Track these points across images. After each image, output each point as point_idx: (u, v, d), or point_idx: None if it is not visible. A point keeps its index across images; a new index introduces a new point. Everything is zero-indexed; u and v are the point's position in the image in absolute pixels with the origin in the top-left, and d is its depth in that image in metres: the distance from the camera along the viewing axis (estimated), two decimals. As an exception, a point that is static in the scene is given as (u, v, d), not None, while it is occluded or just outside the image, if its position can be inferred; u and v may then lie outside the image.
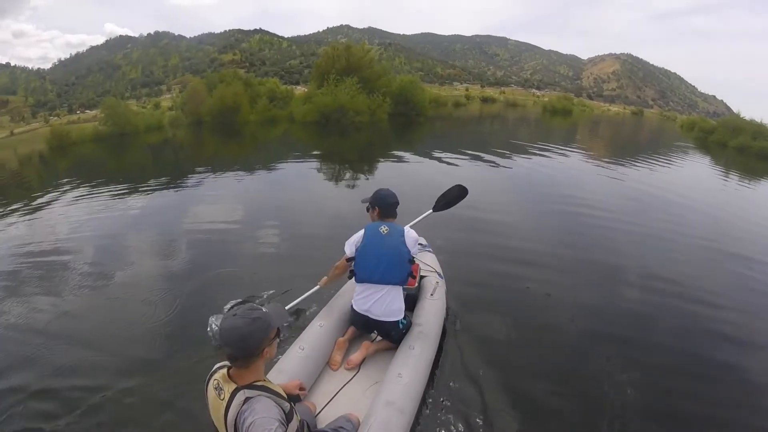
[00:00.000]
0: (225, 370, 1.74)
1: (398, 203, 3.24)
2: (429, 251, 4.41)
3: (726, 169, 17.78)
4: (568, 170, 13.47)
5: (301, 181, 10.67)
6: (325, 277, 3.50)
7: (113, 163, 17.31)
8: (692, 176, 14.63)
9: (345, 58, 28.66)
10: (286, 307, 3.34)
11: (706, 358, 3.90)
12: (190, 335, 3.78)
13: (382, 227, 3.06)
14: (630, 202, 9.33)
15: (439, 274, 4.01)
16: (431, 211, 4.22)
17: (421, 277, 3.85)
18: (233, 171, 12.16)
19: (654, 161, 16.80)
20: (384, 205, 3.17)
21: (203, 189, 10.11)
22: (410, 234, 3.12)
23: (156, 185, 10.58)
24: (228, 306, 4.01)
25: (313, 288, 3.63)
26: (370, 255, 3.01)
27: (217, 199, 8.95)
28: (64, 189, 10.80)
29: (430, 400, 2.96)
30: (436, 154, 14.60)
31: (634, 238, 6.94)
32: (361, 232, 3.12)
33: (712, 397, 3.42)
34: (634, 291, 5.10)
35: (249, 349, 1.64)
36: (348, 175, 11.31)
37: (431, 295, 3.62)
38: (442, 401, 3.00)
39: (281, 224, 7.04)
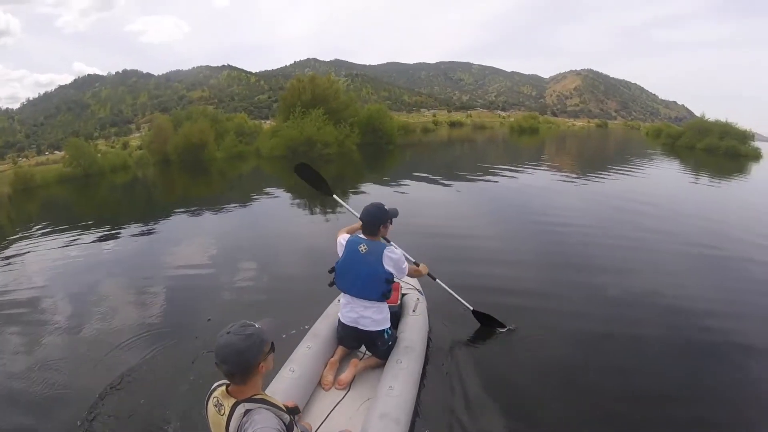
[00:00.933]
0: (224, 387, 1.76)
1: (377, 220, 3.12)
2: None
3: (697, 171, 18.19)
4: (540, 187, 13.59)
5: (272, 218, 10.57)
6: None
7: (81, 205, 16.99)
8: (665, 182, 14.76)
9: (310, 90, 28.42)
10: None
11: (693, 360, 3.96)
12: (170, 377, 3.68)
13: (362, 245, 3.04)
14: (604, 214, 9.51)
15: (419, 291, 4.16)
16: (471, 308, 4.27)
17: (403, 294, 3.97)
18: (202, 210, 11.88)
19: (624, 171, 16.96)
20: (365, 221, 3.13)
21: (173, 229, 9.99)
22: (391, 255, 3.04)
23: (125, 227, 10.25)
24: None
25: None
26: (348, 270, 3.05)
27: (189, 240, 8.80)
28: (34, 232, 10.68)
29: (423, 410, 3.04)
30: (408, 180, 14.60)
31: (608, 247, 7.10)
32: (345, 241, 3.14)
33: (708, 403, 3.44)
34: (615, 298, 5.19)
35: (245, 364, 1.65)
36: (319, 209, 11.06)
37: (413, 311, 3.76)
38: (434, 411, 3.11)
39: (256, 262, 6.96)
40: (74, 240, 9.26)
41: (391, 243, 3.41)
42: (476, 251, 6.81)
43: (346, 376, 3.06)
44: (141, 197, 17.38)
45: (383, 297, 3.06)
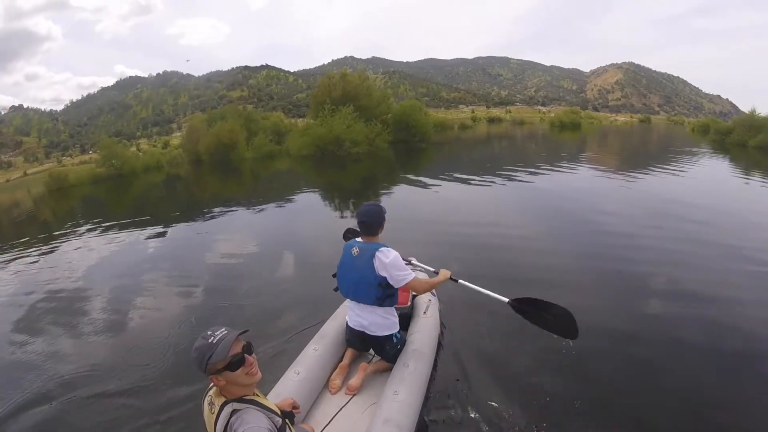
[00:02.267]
0: (217, 387, 1.75)
1: (378, 220, 2.99)
2: (420, 270, 4.19)
3: (748, 172, 16.35)
4: (583, 189, 12.70)
5: (295, 218, 10.39)
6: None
7: (113, 203, 17.36)
8: (716, 180, 13.67)
9: (341, 87, 27.52)
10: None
11: (730, 375, 3.54)
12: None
13: (354, 248, 2.97)
14: (651, 214, 8.75)
15: (432, 293, 3.92)
16: (506, 300, 3.11)
17: (414, 295, 3.84)
18: (227, 210, 11.94)
19: (674, 168, 15.93)
20: (362, 221, 3.00)
21: (199, 229, 10.10)
22: (383, 257, 2.83)
23: (153, 227, 10.47)
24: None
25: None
26: (344, 274, 3.02)
27: (212, 239, 8.90)
28: (70, 230, 11.21)
29: (428, 417, 2.95)
30: (441, 180, 14.01)
31: (654, 251, 6.38)
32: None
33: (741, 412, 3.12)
34: (648, 305, 4.79)
35: (205, 373, 1.65)
36: (347, 211, 10.60)
37: (424, 312, 3.65)
38: (440, 417, 3.00)
39: (275, 261, 6.89)
40: (104, 238, 9.74)
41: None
42: (509, 252, 6.46)
43: (354, 381, 2.97)
44: (171, 197, 17.49)
45: (380, 302, 2.92)
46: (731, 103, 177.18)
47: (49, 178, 23.96)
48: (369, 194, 12.89)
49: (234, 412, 1.63)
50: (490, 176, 14.21)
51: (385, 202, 10.86)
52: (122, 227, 10.66)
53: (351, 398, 2.92)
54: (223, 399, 1.68)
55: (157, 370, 3.80)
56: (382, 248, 2.86)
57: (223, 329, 1.67)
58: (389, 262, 2.81)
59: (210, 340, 1.63)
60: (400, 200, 11.50)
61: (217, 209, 11.97)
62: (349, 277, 2.97)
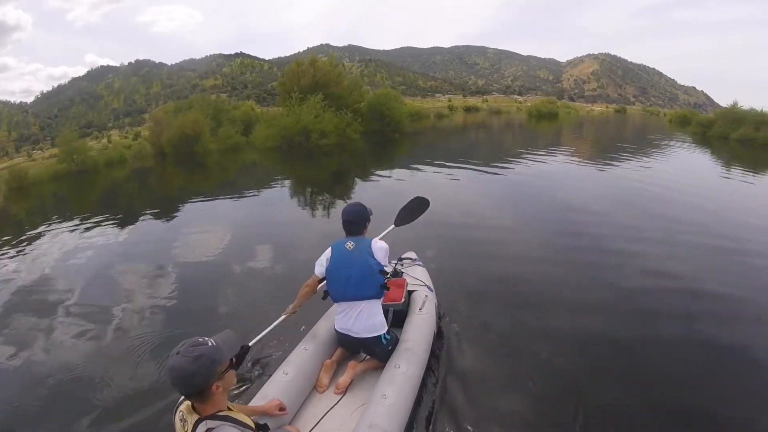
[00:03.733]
0: (189, 402, 1.70)
1: (361, 219, 3.07)
2: (419, 264, 4.28)
3: (729, 163, 16.81)
4: (564, 175, 12.97)
5: (270, 215, 9.86)
6: (292, 305, 3.16)
7: (75, 200, 16.25)
8: (710, 180, 13.21)
9: (310, 74, 25.96)
10: (251, 342, 2.83)
11: (702, 351, 3.77)
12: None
13: (348, 243, 2.98)
14: (634, 207, 8.78)
15: (429, 288, 3.87)
16: (393, 226, 4.00)
17: (410, 291, 3.70)
18: (199, 204, 11.63)
19: (655, 159, 16.18)
20: (345, 222, 3.08)
21: (176, 224, 9.62)
22: (377, 245, 2.99)
23: (128, 222, 10.05)
24: None
25: (279, 318, 3.14)
26: (339, 272, 2.94)
27: (191, 234, 8.50)
28: (37, 228, 10.55)
29: (418, 422, 2.78)
30: (415, 171, 13.90)
31: (640, 243, 6.45)
32: (329, 250, 3.04)
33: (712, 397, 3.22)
34: (636, 298, 4.78)
35: (196, 387, 1.59)
36: (320, 208, 10.40)
37: (420, 309, 3.50)
38: (431, 422, 2.85)
39: (257, 260, 6.57)
40: (72, 237, 9.11)
41: None
42: (487, 242, 6.52)
43: (343, 380, 2.91)
44: (136, 193, 16.07)
45: (380, 292, 2.95)
46: (706, 94, 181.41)
47: (9, 175, 22.11)
48: (338, 190, 12.33)
49: (209, 430, 1.58)
50: (466, 166, 14.04)
51: (356, 197, 10.54)
52: (88, 226, 9.91)
53: (340, 399, 2.84)
54: (197, 416, 1.64)
55: (132, 380, 3.64)
56: (374, 239, 3.07)
57: (200, 337, 1.63)
58: (380, 246, 2.98)
59: (209, 344, 1.61)
60: (372, 195, 10.90)
61: (184, 205, 11.51)
62: (346, 275, 2.90)
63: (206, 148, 25.37)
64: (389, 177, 13.20)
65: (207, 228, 8.89)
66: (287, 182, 13.95)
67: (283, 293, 4.98)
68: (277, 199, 11.54)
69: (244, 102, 61.40)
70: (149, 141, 31.44)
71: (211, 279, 5.88)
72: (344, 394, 2.87)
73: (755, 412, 3.08)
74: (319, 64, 27.10)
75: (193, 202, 11.77)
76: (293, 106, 22.89)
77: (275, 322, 3.15)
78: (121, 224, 9.76)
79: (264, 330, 3.10)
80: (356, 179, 13.56)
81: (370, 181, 13.11)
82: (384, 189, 11.63)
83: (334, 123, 22.02)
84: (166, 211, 10.90)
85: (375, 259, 2.90)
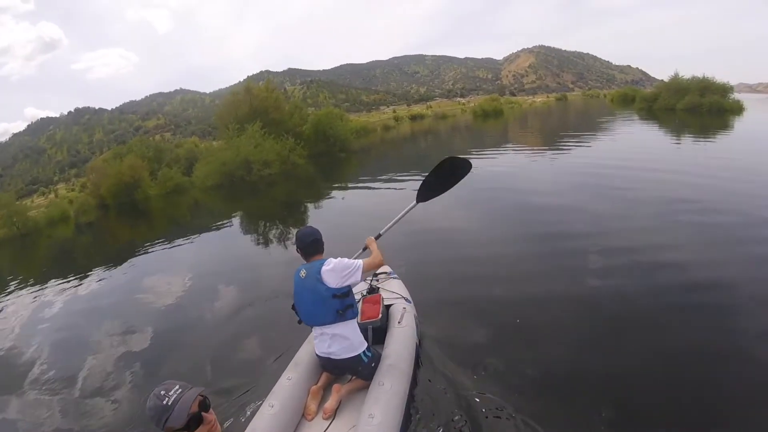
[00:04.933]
0: None
1: (314, 240, 2.96)
2: (394, 277, 4.21)
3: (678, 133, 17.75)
4: (521, 169, 13.03)
5: (230, 253, 9.29)
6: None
7: (26, 267, 14.69)
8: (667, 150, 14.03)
9: (247, 103, 24.95)
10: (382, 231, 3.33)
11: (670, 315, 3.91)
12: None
13: (302, 271, 2.91)
14: (595, 190, 8.91)
15: (407, 299, 3.81)
16: (414, 203, 3.54)
17: (387, 306, 3.64)
18: (147, 255, 10.53)
19: (606, 140, 16.91)
20: (299, 246, 2.99)
21: (132, 274, 9.10)
22: (327, 268, 2.80)
23: (83, 280, 9.25)
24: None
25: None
26: (299, 300, 2.92)
27: (148, 284, 8.03)
28: None
29: None
30: (367, 188, 13.62)
31: (601, 226, 6.58)
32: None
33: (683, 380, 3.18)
34: (609, 288, 4.64)
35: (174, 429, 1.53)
36: (268, 236, 10.30)
37: (399, 322, 3.43)
38: None
39: (222, 300, 6.34)
40: (27, 300, 8.70)
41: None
42: (454, 245, 6.59)
43: (330, 404, 2.84)
44: (84, 251, 14.91)
45: (341, 316, 2.82)
46: (641, 71, 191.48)
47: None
48: (290, 219, 11.62)
49: None
50: (422, 174, 13.09)
51: (312, 222, 10.13)
52: (38, 292, 9.15)
53: (329, 424, 2.77)
54: None
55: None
56: (325, 261, 2.85)
57: (177, 386, 1.53)
58: (333, 266, 2.80)
59: (164, 402, 1.51)
60: (325, 218, 10.67)
61: (135, 257, 10.56)
62: (304, 302, 2.87)
63: (146, 193, 23.94)
64: (342, 197, 12.94)
65: (161, 276, 8.46)
66: (235, 220, 13.10)
67: (249, 327, 4.99)
68: (228, 238, 10.90)
69: (186, 139, 59.49)
70: (90, 194, 29.79)
71: (174, 326, 5.69)
72: (333, 418, 2.82)
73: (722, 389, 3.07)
74: (255, 91, 26.08)
75: (143, 253, 10.87)
76: (231, 138, 21.77)
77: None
78: (75, 285, 9.02)
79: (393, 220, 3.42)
80: (308, 205, 12.92)
81: (321, 205, 12.62)
82: (339, 210, 11.34)
83: (276, 150, 20.90)
84: (117, 265, 10.17)
85: (324, 284, 2.78)
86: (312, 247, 2.93)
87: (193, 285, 7.31)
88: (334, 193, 13.95)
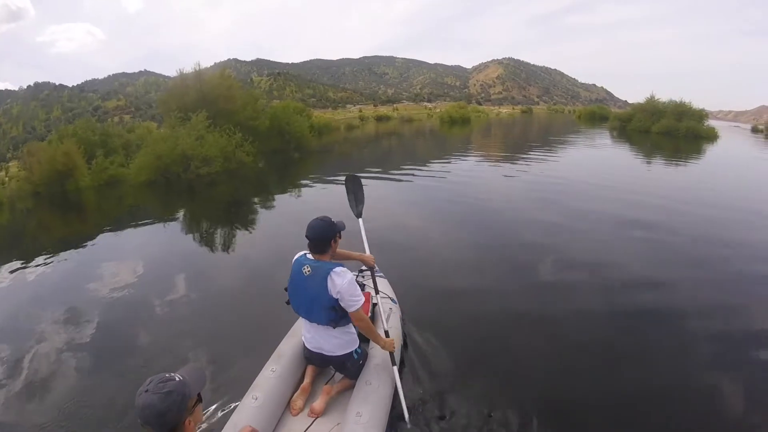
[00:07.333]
0: None
1: (322, 237, 2.81)
2: (380, 276, 4.25)
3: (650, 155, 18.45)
4: (487, 178, 13.73)
5: (197, 241, 8.98)
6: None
7: None
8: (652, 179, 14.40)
9: (196, 90, 22.39)
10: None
11: (626, 325, 4.37)
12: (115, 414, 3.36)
13: (305, 267, 2.80)
14: (574, 202, 9.54)
15: (393, 300, 3.96)
16: (360, 220, 3.70)
17: (374, 304, 3.71)
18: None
19: (582, 155, 17.87)
20: (311, 238, 2.84)
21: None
22: (337, 278, 2.70)
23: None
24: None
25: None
26: (295, 292, 2.88)
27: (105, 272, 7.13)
28: None
29: None
30: (321, 191, 13.07)
31: (577, 236, 7.25)
32: (297, 256, 2.98)
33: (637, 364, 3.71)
34: (588, 292, 5.16)
35: (169, 424, 1.53)
36: (252, 224, 9.86)
37: (386, 322, 3.44)
38: None
39: (196, 288, 5.97)
40: None
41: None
42: (409, 252, 6.65)
43: (318, 405, 2.87)
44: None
45: (334, 324, 2.84)
46: (606, 90, 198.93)
47: None
48: (225, 234, 9.70)
49: None
50: (381, 176, 13.97)
51: (259, 232, 9.12)
52: None
53: (314, 420, 2.78)
54: None
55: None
56: (337, 269, 2.74)
57: (167, 373, 1.57)
58: (344, 285, 2.71)
59: (177, 379, 1.55)
60: (278, 222, 9.85)
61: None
62: (301, 296, 2.82)
63: (78, 184, 21.11)
64: (297, 199, 12.39)
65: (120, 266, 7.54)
66: (172, 223, 11.21)
67: (231, 323, 4.81)
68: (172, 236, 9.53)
69: (139, 123, 55.70)
70: (25, 179, 26.62)
71: (147, 316, 5.28)
72: (319, 415, 2.81)
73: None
74: (207, 78, 23.55)
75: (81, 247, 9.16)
76: (173, 127, 19.26)
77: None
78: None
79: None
80: (246, 211, 11.46)
81: (260, 211, 11.41)
82: (292, 214, 10.11)
83: (220, 145, 18.26)
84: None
85: (328, 293, 2.70)
86: (322, 241, 2.82)
87: (160, 276, 6.78)
88: (279, 197, 12.89)
